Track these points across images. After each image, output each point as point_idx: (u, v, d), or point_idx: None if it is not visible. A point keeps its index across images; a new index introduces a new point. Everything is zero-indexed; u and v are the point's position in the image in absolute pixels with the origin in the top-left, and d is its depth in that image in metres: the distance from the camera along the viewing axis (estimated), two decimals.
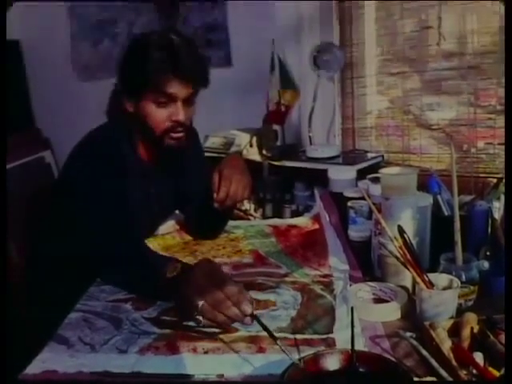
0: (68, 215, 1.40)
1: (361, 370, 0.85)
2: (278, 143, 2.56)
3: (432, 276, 1.07)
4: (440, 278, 1.08)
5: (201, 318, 1.05)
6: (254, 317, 1.03)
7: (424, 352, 0.91)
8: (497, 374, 0.83)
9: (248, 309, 1.03)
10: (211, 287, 1.06)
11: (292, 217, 2.00)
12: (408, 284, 1.16)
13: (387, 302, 1.12)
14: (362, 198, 1.44)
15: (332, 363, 0.86)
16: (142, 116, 1.39)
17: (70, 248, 1.38)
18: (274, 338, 0.96)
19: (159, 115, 1.38)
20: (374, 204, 1.22)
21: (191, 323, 1.08)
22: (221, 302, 1.04)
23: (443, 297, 1.03)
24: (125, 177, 1.41)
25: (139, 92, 1.38)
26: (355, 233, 1.51)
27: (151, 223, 1.60)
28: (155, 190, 1.54)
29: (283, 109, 2.52)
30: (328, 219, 1.64)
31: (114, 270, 1.26)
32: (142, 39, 1.40)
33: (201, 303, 1.04)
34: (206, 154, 1.89)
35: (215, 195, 1.38)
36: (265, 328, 0.99)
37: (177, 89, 1.35)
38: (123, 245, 1.25)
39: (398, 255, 1.09)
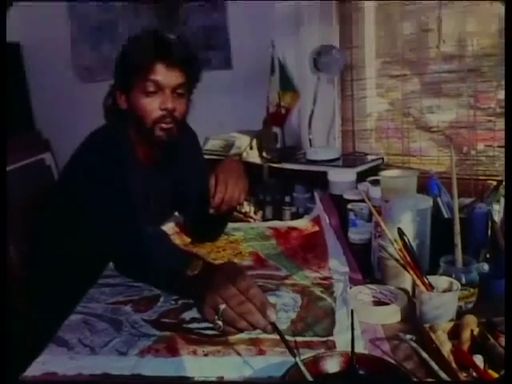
0: (69, 216, 1.40)
1: (361, 372, 0.84)
2: (278, 145, 2.56)
3: (432, 278, 1.07)
4: (440, 281, 1.08)
5: (220, 322, 1.03)
6: (273, 325, 1.00)
7: (424, 354, 0.91)
8: (496, 376, 0.84)
9: (272, 315, 1.01)
10: (235, 291, 1.04)
11: (292, 219, 2.00)
12: (408, 286, 1.16)
13: (387, 304, 1.11)
14: (362, 201, 1.44)
15: (332, 365, 0.86)
16: (134, 109, 1.41)
17: (70, 249, 1.39)
18: (293, 353, 0.87)
19: (148, 104, 1.39)
20: (373, 206, 1.22)
21: (191, 325, 1.08)
22: (244, 307, 1.03)
23: (443, 299, 1.03)
24: (123, 177, 1.41)
25: (129, 83, 1.40)
26: (355, 235, 1.51)
27: (150, 224, 1.59)
28: (154, 191, 1.54)
29: (283, 111, 2.53)
30: (328, 221, 1.64)
31: (133, 266, 1.26)
32: (133, 36, 1.44)
33: (223, 307, 1.03)
34: (206, 157, 1.89)
35: (211, 200, 1.38)
36: (284, 339, 0.94)
37: (164, 76, 1.37)
38: (141, 240, 1.25)
39: (398, 258, 1.09)
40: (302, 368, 0.83)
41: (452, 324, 0.97)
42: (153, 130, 1.41)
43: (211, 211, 1.38)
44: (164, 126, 1.40)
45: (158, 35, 1.41)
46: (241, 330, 1.04)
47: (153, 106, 1.39)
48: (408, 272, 1.07)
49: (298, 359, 0.84)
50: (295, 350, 0.91)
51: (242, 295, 1.04)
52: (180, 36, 1.45)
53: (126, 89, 1.42)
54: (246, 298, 1.03)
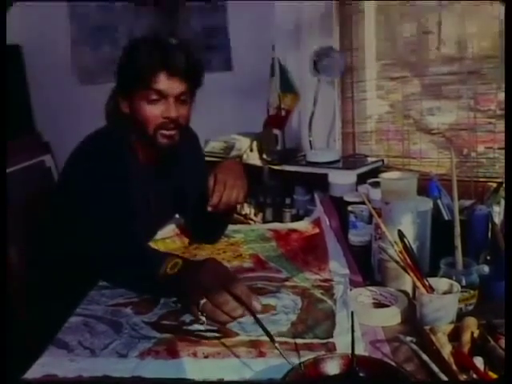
0: (68, 217, 1.40)
1: (361, 374, 0.84)
2: (279, 147, 2.56)
3: (432, 280, 1.07)
4: (440, 283, 1.08)
5: (203, 318, 1.06)
6: (251, 312, 1.04)
7: (424, 357, 0.91)
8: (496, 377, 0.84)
9: (258, 306, 1.05)
10: (215, 286, 1.07)
11: (292, 221, 2.00)
12: (408, 288, 1.16)
13: (387, 306, 1.12)
14: (363, 203, 1.44)
15: (332, 368, 0.86)
16: (136, 115, 1.40)
17: (70, 250, 1.38)
18: (272, 339, 0.96)
19: (151, 112, 1.38)
20: (374, 208, 1.22)
21: (191, 327, 1.08)
22: (221, 298, 1.05)
23: (443, 301, 1.03)
24: (123, 178, 1.41)
25: (132, 91, 1.39)
26: (355, 237, 1.51)
27: (150, 225, 1.59)
28: (154, 193, 1.54)
29: (283, 113, 2.53)
30: (328, 223, 1.64)
31: (115, 269, 1.26)
32: (135, 40, 1.43)
33: (203, 301, 1.06)
34: (207, 159, 1.89)
35: (209, 199, 1.38)
36: (261, 325, 1.00)
37: (167, 85, 1.36)
38: (123, 244, 1.25)
39: (398, 260, 1.09)
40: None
41: (452, 326, 0.97)
42: (155, 136, 1.40)
43: (209, 209, 1.38)
44: (166, 133, 1.40)
45: (158, 43, 1.39)
46: (223, 323, 1.07)
47: (155, 114, 1.38)
48: (408, 274, 1.07)
49: (277, 345, 0.94)
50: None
51: (222, 290, 1.06)
52: (181, 41, 1.43)
53: (128, 95, 1.42)
54: (227, 292, 1.06)
